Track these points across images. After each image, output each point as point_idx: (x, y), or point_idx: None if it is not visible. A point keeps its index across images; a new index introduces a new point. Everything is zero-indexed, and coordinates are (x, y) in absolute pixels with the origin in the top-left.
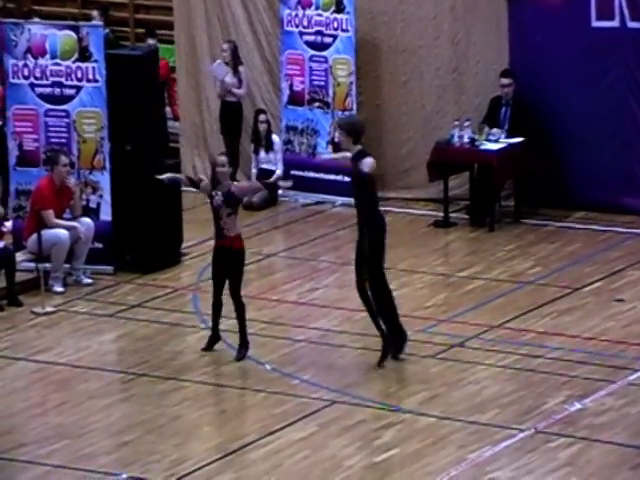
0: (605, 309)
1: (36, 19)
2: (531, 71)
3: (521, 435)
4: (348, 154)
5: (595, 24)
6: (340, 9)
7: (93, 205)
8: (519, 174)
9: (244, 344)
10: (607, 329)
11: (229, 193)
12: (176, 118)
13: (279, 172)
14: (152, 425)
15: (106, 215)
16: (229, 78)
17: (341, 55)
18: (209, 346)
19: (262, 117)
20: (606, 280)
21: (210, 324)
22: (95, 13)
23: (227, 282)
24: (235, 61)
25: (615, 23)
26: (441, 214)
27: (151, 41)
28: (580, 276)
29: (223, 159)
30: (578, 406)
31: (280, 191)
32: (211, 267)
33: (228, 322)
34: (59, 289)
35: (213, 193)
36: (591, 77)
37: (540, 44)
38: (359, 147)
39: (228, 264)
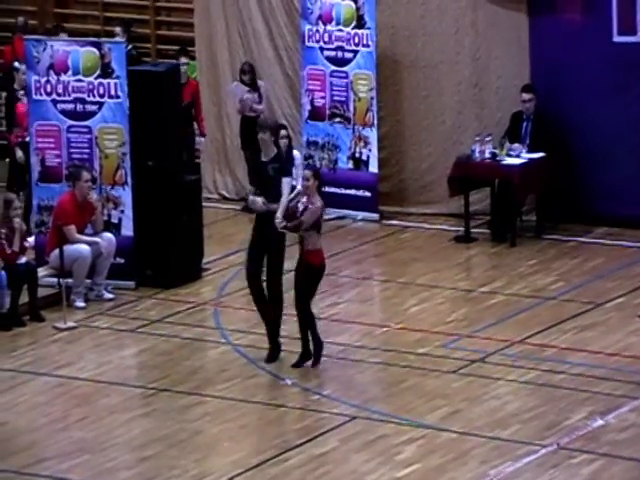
0: (628, 325)
1: (63, 35)
2: (552, 86)
3: (543, 451)
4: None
5: (616, 39)
6: (361, 24)
7: (115, 220)
8: (540, 189)
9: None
10: (630, 345)
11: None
12: (202, 134)
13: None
14: (173, 440)
15: (128, 230)
16: (248, 94)
17: (362, 70)
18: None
19: (283, 132)
20: (629, 295)
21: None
22: (118, 30)
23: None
24: (254, 79)
25: (636, 38)
26: (462, 229)
27: (184, 59)
28: (602, 291)
29: (307, 173)
30: (600, 422)
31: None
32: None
33: (249, 337)
34: (81, 304)
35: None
36: (612, 92)
37: (561, 59)
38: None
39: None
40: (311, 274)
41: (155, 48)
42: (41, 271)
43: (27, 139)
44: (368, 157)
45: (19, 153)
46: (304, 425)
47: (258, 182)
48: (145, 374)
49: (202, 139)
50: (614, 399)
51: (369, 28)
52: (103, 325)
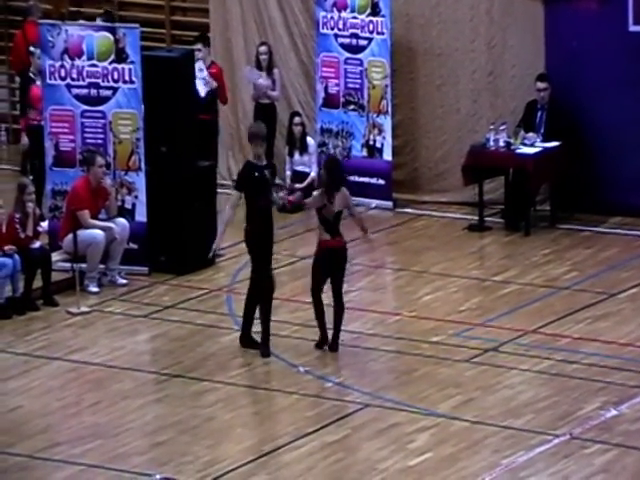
0: None
1: (81, 21)
2: (567, 75)
3: (556, 441)
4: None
5: (632, 28)
6: (376, 12)
7: (128, 206)
8: (555, 178)
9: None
10: None
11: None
12: (223, 102)
13: (314, 174)
14: (185, 426)
15: (141, 216)
16: (263, 80)
17: (376, 58)
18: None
19: (297, 119)
20: None
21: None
22: (99, 19)
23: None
24: (270, 63)
25: None
26: (476, 218)
27: (199, 46)
28: (616, 282)
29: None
30: (614, 412)
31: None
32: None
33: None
34: (94, 289)
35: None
36: (627, 81)
37: (576, 48)
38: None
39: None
40: (314, 262)
41: (170, 34)
42: (55, 256)
43: (42, 122)
44: (382, 145)
45: (24, 139)
46: (317, 412)
47: (257, 186)
48: (158, 360)
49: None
50: (627, 389)
51: (384, 16)
52: (116, 310)
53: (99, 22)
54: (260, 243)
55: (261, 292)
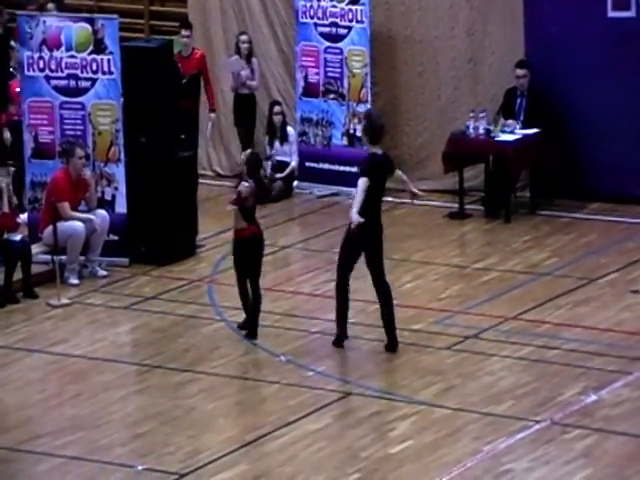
0: (621, 300)
1: (64, 11)
2: (546, 62)
3: (537, 426)
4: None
5: (611, 14)
6: (355, 0)
7: (108, 197)
8: (534, 165)
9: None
10: (623, 320)
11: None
12: (211, 109)
13: (294, 164)
14: (167, 417)
15: (121, 207)
16: (244, 71)
17: (356, 46)
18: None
19: (277, 109)
20: (622, 271)
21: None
22: (50, 6)
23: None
24: (250, 53)
25: (631, 13)
26: (456, 205)
27: (185, 32)
28: (596, 267)
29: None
30: (594, 397)
31: (295, 182)
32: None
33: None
34: (74, 281)
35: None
36: (607, 68)
37: (556, 35)
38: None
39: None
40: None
41: (148, 24)
42: (35, 248)
43: (16, 118)
44: None
45: (7, 134)
46: (298, 402)
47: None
48: (139, 351)
49: (212, 114)
50: (607, 374)
51: (363, 4)
52: (97, 302)
53: (50, 8)
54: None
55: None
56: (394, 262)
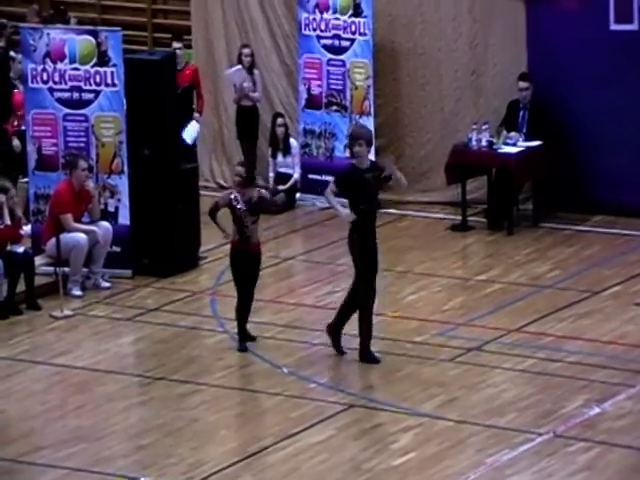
0: (624, 312)
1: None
2: (549, 74)
3: (539, 439)
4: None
5: (613, 27)
6: (358, 13)
7: (111, 209)
8: (537, 178)
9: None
10: (626, 333)
11: (252, 202)
12: (199, 111)
13: (297, 176)
14: (170, 428)
15: (124, 219)
16: (247, 83)
17: (359, 59)
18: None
19: (280, 121)
20: (625, 284)
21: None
22: (31, 8)
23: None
24: (253, 63)
25: (634, 26)
26: (459, 217)
27: (177, 44)
28: (599, 279)
29: (239, 169)
30: (597, 410)
31: (297, 194)
32: (235, 269)
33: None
34: (77, 293)
35: (234, 201)
36: (609, 80)
37: (558, 47)
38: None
39: (250, 268)
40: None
41: (152, 36)
42: (38, 260)
43: (23, 127)
44: None
45: (16, 141)
46: (301, 413)
47: (359, 190)
48: (142, 362)
49: (197, 115)
50: (610, 387)
51: (366, 16)
52: (100, 314)
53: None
54: (364, 251)
55: (359, 302)
56: (397, 274)
